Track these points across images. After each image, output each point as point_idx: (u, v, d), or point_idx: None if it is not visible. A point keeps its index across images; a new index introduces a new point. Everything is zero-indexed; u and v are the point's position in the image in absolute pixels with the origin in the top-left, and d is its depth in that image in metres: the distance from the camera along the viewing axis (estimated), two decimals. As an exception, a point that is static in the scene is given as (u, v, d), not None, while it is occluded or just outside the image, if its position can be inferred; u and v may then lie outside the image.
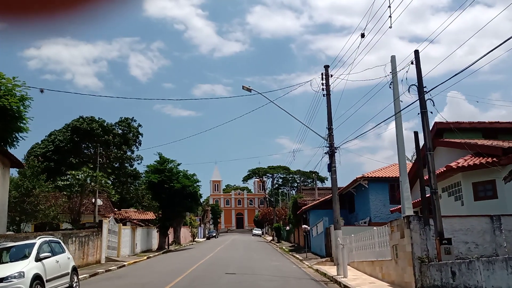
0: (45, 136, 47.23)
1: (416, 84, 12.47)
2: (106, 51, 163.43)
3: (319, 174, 70.76)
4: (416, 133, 12.80)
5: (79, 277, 19.40)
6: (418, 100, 12.34)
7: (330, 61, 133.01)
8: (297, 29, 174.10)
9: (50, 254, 12.72)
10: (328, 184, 78.42)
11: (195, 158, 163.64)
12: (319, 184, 65.91)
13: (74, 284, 14.12)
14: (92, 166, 30.87)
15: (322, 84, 18.30)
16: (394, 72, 13.80)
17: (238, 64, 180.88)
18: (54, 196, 28.99)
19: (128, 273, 20.23)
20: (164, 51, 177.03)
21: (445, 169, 15.42)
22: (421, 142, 13.53)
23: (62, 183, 27.77)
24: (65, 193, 27.70)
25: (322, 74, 18.37)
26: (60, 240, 14.75)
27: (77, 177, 27.28)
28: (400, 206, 23.45)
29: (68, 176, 28.15)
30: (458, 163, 15.48)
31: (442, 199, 16.30)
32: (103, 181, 28.75)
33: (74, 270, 14.40)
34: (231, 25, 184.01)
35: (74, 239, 23.93)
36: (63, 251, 14.09)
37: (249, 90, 18.31)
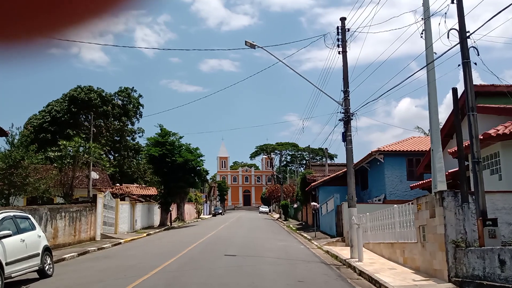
0: (43, 106, 45.35)
1: (457, 28, 10.01)
2: (112, 24, 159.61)
3: (329, 152, 68.42)
4: (455, 90, 10.42)
5: (66, 256, 17.74)
6: (460, 49, 9.90)
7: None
8: (307, 1, 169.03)
9: (11, 232, 10.70)
10: (338, 160, 76.16)
11: (202, 134, 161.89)
12: (329, 161, 63.56)
13: (47, 267, 12.15)
14: (85, 136, 28.75)
15: (338, 40, 15.84)
16: (426, 16, 11.31)
17: (246, 38, 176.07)
18: (46, 168, 27.16)
19: (118, 253, 18.37)
20: (170, 24, 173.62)
21: (482, 137, 13.03)
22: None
23: (53, 154, 25.76)
24: (55, 165, 25.74)
25: (337, 27, 15.89)
26: (29, 216, 12.74)
27: (68, 147, 25.24)
28: (420, 182, 21.26)
29: (60, 146, 26.07)
30: (498, 130, 13.10)
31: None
32: (96, 152, 26.67)
33: (47, 250, 12.43)
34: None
35: (63, 214, 22.16)
36: (33, 229, 12.09)
37: (253, 46, 15.94)
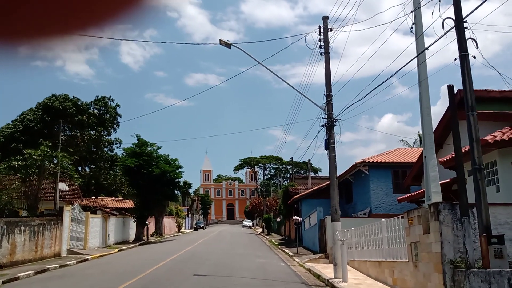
0: (17, 116, 43.22)
1: (453, 17, 8.79)
2: (98, 38, 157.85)
3: (313, 165, 67.34)
4: (450, 87, 9.17)
5: (22, 274, 15.90)
6: (456, 40, 8.67)
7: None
8: (291, 19, 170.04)
9: None
10: (322, 174, 74.92)
11: (186, 149, 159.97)
12: (312, 174, 62.28)
13: (-19, 290, 10.41)
14: (51, 145, 26.83)
15: (320, 40, 14.61)
16: (417, 7, 10.10)
17: (231, 53, 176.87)
18: (10, 179, 25.24)
19: (78, 272, 16.57)
20: (156, 39, 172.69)
21: (478, 144, 11.80)
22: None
23: (17, 163, 23.83)
24: (19, 175, 23.84)
25: (319, 27, 14.66)
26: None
27: (33, 156, 23.36)
28: (408, 194, 19.97)
29: (25, 155, 24.15)
30: (495, 136, 11.92)
31: (470, 183, 12.73)
32: (64, 162, 24.80)
33: (-17, 270, 10.70)
34: (225, 14, 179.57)
35: (23, 228, 20.30)
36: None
37: (228, 45, 14.60)
